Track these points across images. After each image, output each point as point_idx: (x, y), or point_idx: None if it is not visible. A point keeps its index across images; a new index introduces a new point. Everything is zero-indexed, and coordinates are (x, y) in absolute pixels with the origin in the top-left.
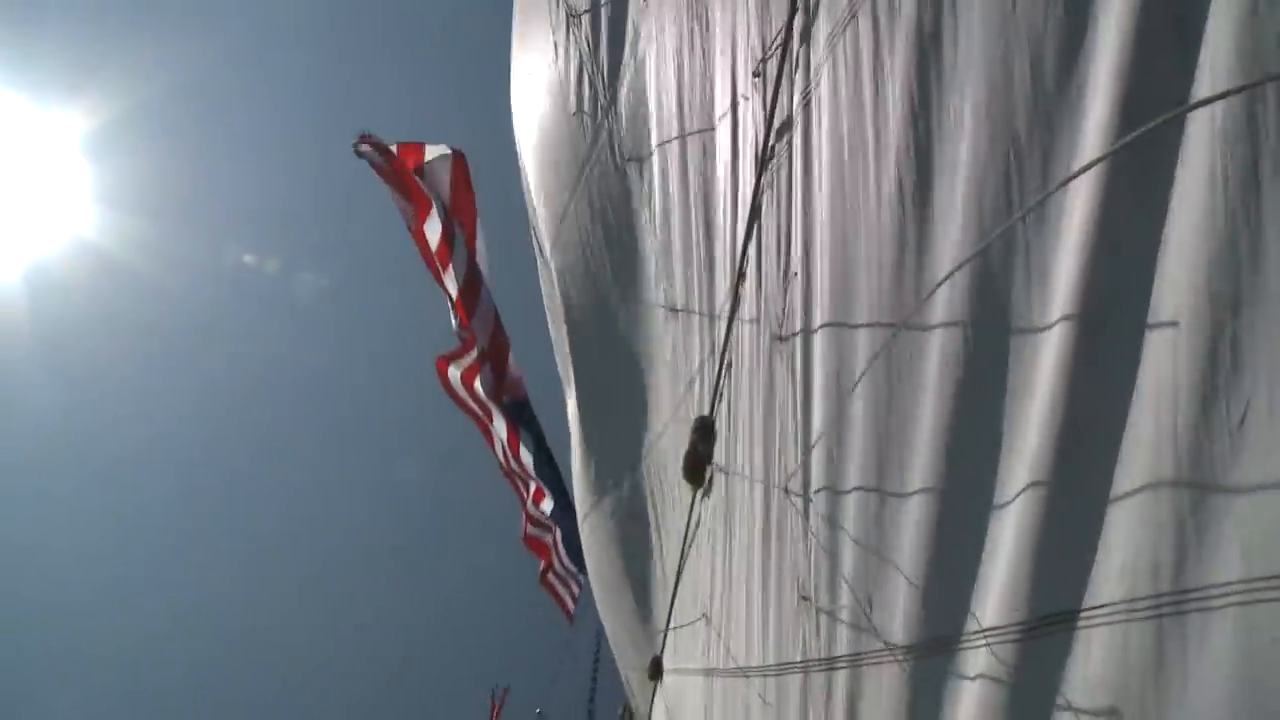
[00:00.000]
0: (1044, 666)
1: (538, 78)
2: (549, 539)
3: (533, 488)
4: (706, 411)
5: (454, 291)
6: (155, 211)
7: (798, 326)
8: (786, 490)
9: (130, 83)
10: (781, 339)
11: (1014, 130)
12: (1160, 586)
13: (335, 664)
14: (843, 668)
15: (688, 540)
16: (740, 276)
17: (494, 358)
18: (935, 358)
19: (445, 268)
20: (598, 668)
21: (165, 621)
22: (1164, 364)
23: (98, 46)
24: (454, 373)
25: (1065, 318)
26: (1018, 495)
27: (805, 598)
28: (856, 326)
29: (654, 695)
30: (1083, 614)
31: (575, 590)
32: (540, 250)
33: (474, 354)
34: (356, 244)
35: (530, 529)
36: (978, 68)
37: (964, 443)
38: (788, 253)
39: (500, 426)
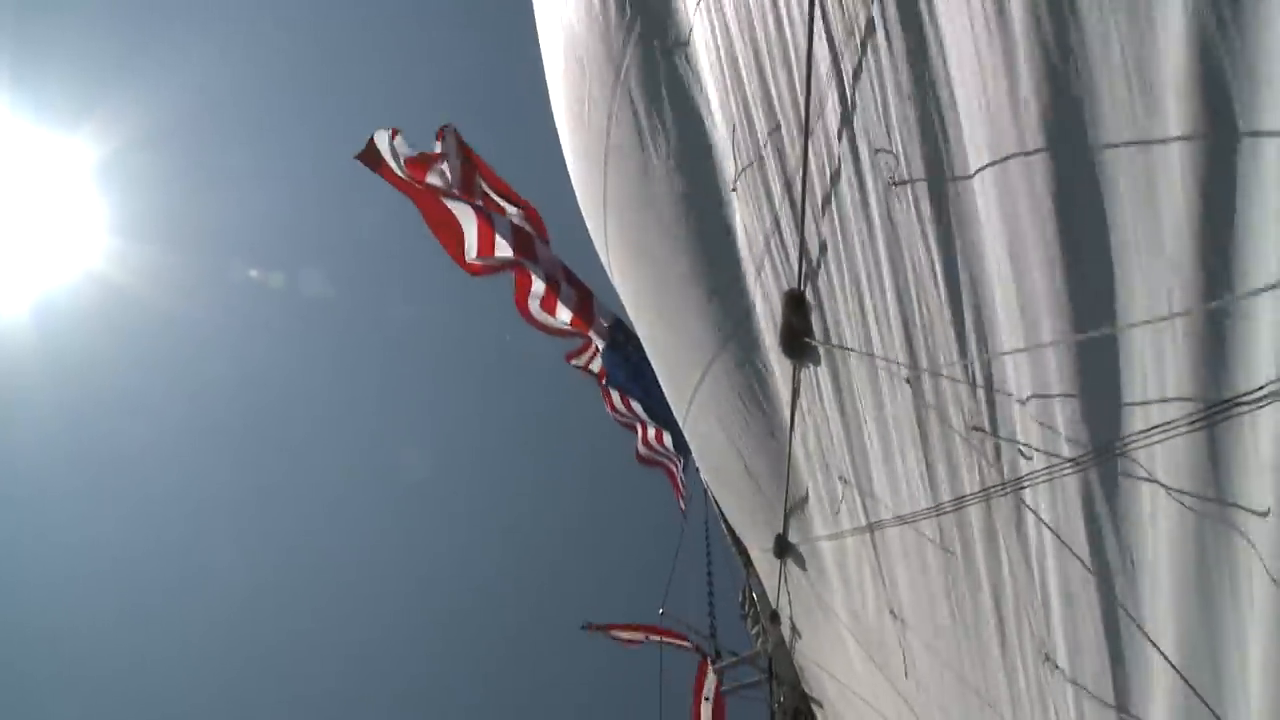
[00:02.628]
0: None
1: None
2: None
3: (652, 430)
4: (796, 284)
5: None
6: (170, 241)
7: (922, 172)
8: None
9: (143, 108)
10: (896, 183)
11: None
12: None
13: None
14: (1036, 484)
15: (794, 413)
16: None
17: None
18: None
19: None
20: (710, 562)
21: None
22: None
23: (109, 73)
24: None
25: None
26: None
27: (977, 428)
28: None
29: (782, 571)
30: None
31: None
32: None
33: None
34: (381, 264)
35: (644, 451)
36: None
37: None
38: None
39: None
